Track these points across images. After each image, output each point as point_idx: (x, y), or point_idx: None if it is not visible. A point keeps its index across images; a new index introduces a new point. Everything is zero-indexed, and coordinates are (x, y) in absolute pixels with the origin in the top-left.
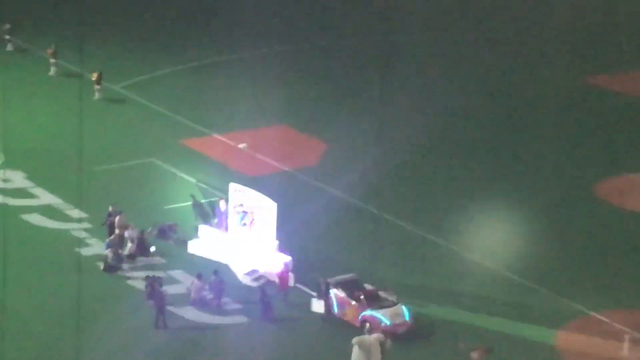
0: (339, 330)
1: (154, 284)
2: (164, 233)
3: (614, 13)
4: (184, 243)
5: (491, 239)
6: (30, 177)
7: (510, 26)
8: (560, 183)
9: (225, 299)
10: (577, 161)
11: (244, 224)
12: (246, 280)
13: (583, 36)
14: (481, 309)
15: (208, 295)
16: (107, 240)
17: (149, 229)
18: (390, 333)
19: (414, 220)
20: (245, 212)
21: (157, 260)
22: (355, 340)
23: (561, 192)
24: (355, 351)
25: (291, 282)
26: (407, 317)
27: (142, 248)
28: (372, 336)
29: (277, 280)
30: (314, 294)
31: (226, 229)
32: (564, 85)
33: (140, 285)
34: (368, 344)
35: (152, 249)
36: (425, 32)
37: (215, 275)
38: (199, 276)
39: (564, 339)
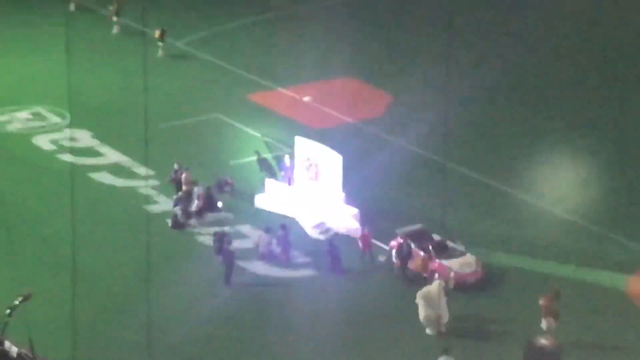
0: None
1: (222, 239)
2: (220, 188)
3: None
4: (245, 197)
5: (561, 186)
6: (96, 136)
7: None
8: (632, 126)
9: (293, 253)
10: None
11: (308, 175)
12: (314, 234)
13: None
14: (551, 257)
15: (276, 249)
16: (175, 197)
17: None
18: (459, 283)
19: (482, 170)
20: (311, 165)
21: (225, 215)
22: (419, 294)
23: (632, 135)
24: (422, 305)
25: (358, 234)
26: (476, 267)
27: (209, 204)
28: (433, 285)
29: (359, 243)
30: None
31: (291, 182)
32: (628, 33)
33: (209, 240)
34: (431, 294)
35: (220, 204)
36: None
37: (283, 230)
38: (267, 230)
39: (635, 284)
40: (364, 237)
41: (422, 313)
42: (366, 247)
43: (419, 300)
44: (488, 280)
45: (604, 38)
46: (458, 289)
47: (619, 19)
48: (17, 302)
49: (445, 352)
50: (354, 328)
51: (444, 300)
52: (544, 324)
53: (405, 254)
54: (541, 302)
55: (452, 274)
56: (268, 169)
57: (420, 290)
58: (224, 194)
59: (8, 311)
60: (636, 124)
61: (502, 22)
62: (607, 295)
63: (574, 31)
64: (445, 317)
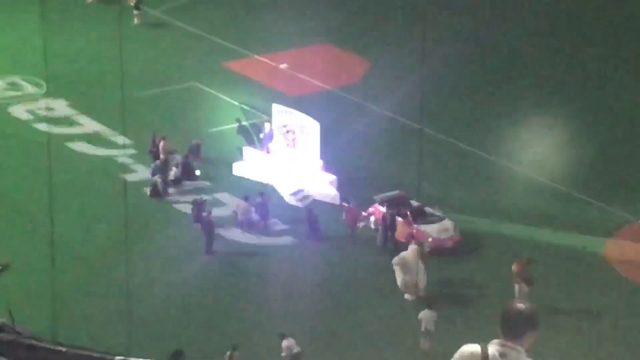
0: (386, 245)
1: (200, 207)
2: (194, 152)
3: None
4: (223, 165)
5: (538, 151)
6: (73, 105)
7: None
8: (606, 91)
9: (272, 220)
10: (622, 69)
11: (286, 142)
12: (292, 201)
13: None
14: (528, 221)
15: (255, 217)
16: (152, 165)
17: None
18: (438, 248)
19: (459, 135)
20: (288, 132)
21: (203, 183)
22: (395, 260)
23: (606, 101)
24: (398, 270)
25: (336, 201)
26: (454, 232)
27: (187, 172)
28: (409, 250)
29: (345, 217)
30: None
31: (270, 150)
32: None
33: (187, 208)
34: (407, 259)
35: (197, 172)
36: None
37: (261, 197)
38: (246, 198)
39: (612, 247)
40: (350, 212)
41: (399, 279)
42: (354, 223)
43: (396, 267)
44: (466, 245)
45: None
46: (436, 254)
47: None
48: None
49: (429, 307)
50: (333, 295)
51: (421, 265)
52: (516, 290)
53: (389, 226)
54: (513, 268)
55: (429, 239)
56: (246, 136)
57: (397, 255)
58: (197, 158)
59: None
60: (611, 90)
61: None
62: (585, 259)
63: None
64: (423, 282)
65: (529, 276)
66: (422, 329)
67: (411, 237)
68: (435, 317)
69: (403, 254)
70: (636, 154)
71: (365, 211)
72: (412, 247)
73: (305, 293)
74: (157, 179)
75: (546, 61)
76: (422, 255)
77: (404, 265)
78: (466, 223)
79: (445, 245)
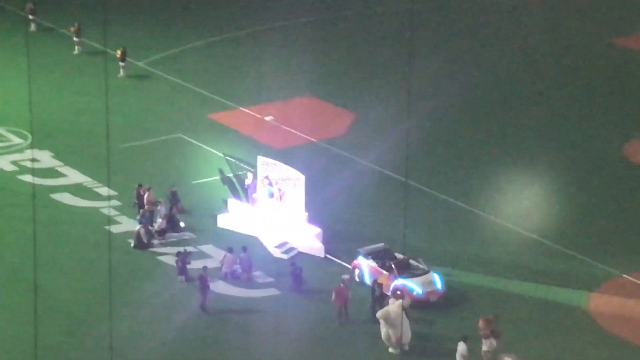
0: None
1: (184, 259)
2: (173, 199)
3: None
4: (208, 217)
5: (522, 205)
6: (57, 157)
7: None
8: (590, 146)
9: (256, 273)
10: (606, 123)
11: (271, 195)
12: (276, 253)
13: None
14: (513, 275)
15: (239, 269)
16: (138, 216)
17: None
18: (422, 301)
19: (444, 188)
20: (271, 184)
21: (187, 235)
22: (379, 314)
23: (591, 155)
24: (382, 324)
25: (321, 253)
26: (439, 285)
27: (171, 224)
28: (394, 305)
29: (333, 297)
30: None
31: (254, 202)
32: (587, 47)
33: (171, 260)
34: (392, 313)
35: (182, 224)
36: None
37: (244, 252)
38: (230, 250)
39: (596, 301)
40: (339, 292)
41: (383, 332)
42: (342, 303)
43: (380, 320)
44: (450, 299)
45: (567, 52)
46: (421, 307)
47: (585, 32)
48: None
49: (464, 339)
50: (316, 347)
51: (405, 320)
52: (485, 346)
53: (378, 296)
54: (480, 324)
55: (413, 293)
56: (231, 188)
57: (380, 309)
58: (175, 204)
59: None
60: (597, 143)
61: (461, 42)
62: (568, 313)
63: (533, 49)
64: (407, 337)
65: (496, 330)
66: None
67: (395, 290)
68: (465, 349)
69: (387, 307)
70: (621, 209)
71: (350, 264)
72: (397, 303)
73: (288, 345)
74: (141, 230)
75: (531, 114)
76: (407, 311)
77: (388, 319)
78: (451, 276)
79: (429, 298)
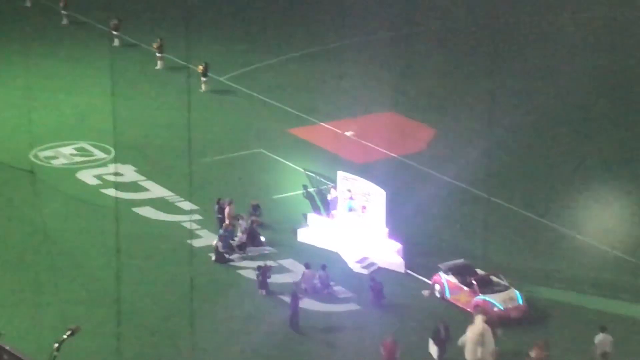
0: (452, 315)
1: (265, 273)
2: (254, 214)
3: None
4: (288, 231)
5: (604, 221)
6: (140, 171)
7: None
8: None
9: (336, 287)
10: None
11: (350, 210)
12: (357, 268)
13: None
14: (595, 292)
15: (318, 284)
16: (221, 230)
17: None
18: (503, 317)
19: (526, 204)
20: (352, 198)
21: (268, 249)
22: (471, 338)
23: None
24: (470, 348)
25: (402, 269)
26: (520, 301)
27: (252, 238)
28: (478, 324)
29: (381, 351)
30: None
31: (334, 217)
32: None
33: (252, 274)
34: (485, 332)
35: (263, 238)
36: (536, 14)
37: (323, 270)
38: (307, 266)
39: None
40: (387, 348)
41: (470, 356)
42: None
43: (468, 344)
44: (532, 316)
45: None
46: (502, 324)
47: None
48: (64, 337)
49: (603, 329)
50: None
51: (489, 334)
52: None
53: (444, 337)
54: (532, 353)
55: (495, 309)
56: (311, 202)
57: (464, 335)
58: (256, 217)
59: (56, 345)
60: None
61: (546, 56)
62: None
63: (620, 61)
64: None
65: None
66: (598, 352)
67: (477, 307)
68: (611, 338)
69: (474, 330)
70: None
71: (430, 280)
72: (478, 318)
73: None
74: (222, 244)
75: (616, 128)
76: (490, 324)
77: (481, 341)
78: (532, 292)
79: (510, 315)
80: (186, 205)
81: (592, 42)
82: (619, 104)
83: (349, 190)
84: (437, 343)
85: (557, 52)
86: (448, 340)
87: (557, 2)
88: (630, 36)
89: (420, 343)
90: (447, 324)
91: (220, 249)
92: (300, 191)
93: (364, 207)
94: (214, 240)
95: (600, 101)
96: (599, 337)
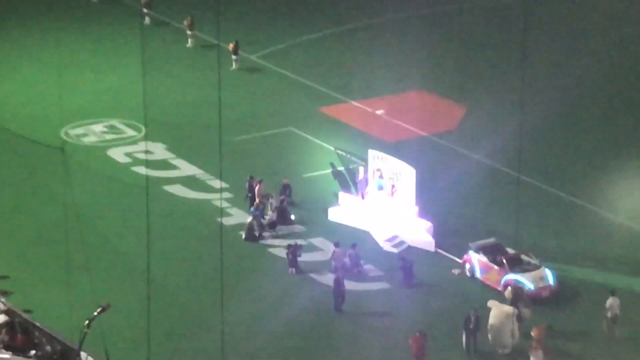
0: (482, 294)
1: (295, 252)
2: (285, 193)
3: None
4: (319, 210)
5: (635, 200)
6: (170, 149)
7: None
8: None
9: (367, 266)
10: None
11: (381, 188)
12: (387, 247)
13: None
14: (626, 271)
15: (348, 262)
16: (252, 208)
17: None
18: (534, 297)
19: (556, 183)
20: (382, 177)
21: (298, 228)
22: (491, 303)
23: None
24: (496, 327)
25: (432, 248)
26: (550, 281)
27: (283, 216)
28: (506, 309)
29: (410, 345)
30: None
31: (365, 195)
32: None
33: (282, 253)
34: (504, 315)
35: (293, 217)
36: None
37: (353, 249)
38: (337, 245)
39: None
40: (415, 342)
41: (493, 335)
42: (420, 354)
43: (494, 321)
44: (563, 295)
45: None
46: (533, 303)
47: None
48: (95, 314)
49: (613, 293)
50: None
51: (516, 325)
52: (533, 358)
53: (473, 327)
54: (533, 333)
55: (525, 288)
56: (342, 181)
57: (495, 308)
58: (286, 196)
59: (86, 322)
60: None
61: (577, 33)
62: None
63: None
64: (516, 339)
65: (545, 345)
66: (609, 316)
67: (507, 285)
68: (618, 302)
69: (501, 308)
70: None
71: (460, 259)
72: (509, 310)
73: (398, 339)
74: (253, 222)
75: None
76: (518, 318)
77: (498, 315)
78: (563, 272)
79: (541, 294)
80: (216, 183)
81: (629, 15)
82: None
83: (379, 170)
84: (467, 333)
85: (597, 27)
86: (478, 329)
87: None
88: None
89: (450, 325)
90: (479, 313)
91: (254, 228)
92: (330, 170)
93: (393, 186)
94: (248, 218)
95: (637, 78)
96: (609, 301)
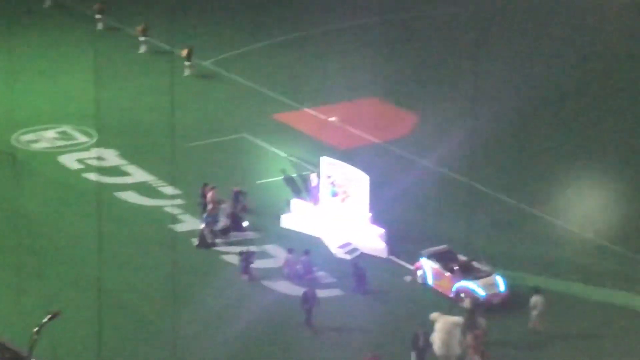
0: (433, 301)
1: (248, 259)
2: (236, 199)
3: None
4: (271, 217)
5: (586, 208)
6: (123, 155)
7: None
8: None
9: (320, 272)
10: None
11: (335, 195)
12: (340, 254)
13: None
14: (577, 279)
15: (301, 269)
16: (204, 215)
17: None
18: (485, 304)
19: (508, 190)
20: (334, 184)
21: (251, 234)
22: (433, 316)
23: None
24: (437, 328)
25: (384, 254)
26: (502, 288)
27: (235, 223)
28: (453, 319)
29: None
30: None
31: (317, 202)
32: None
33: (234, 260)
34: (452, 325)
35: (245, 223)
36: None
37: (306, 255)
38: (290, 251)
39: None
40: None
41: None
42: None
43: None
44: (514, 302)
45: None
46: (483, 310)
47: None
48: (44, 321)
49: (537, 291)
50: (378, 349)
51: (457, 337)
52: None
53: (423, 345)
54: (469, 339)
55: (476, 295)
56: (294, 188)
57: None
58: (241, 204)
59: (36, 329)
60: None
61: (527, 42)
62: (632, 316)
63: (598, 45)
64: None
65: (483, 349)
66: (534, 314)
67: (458, 293)
68: (542, 299)
69: (447, 317)
70: None
71: (413, 265)
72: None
73: (350, 346)
74: (205, 229)
75: (598, 115)
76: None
77: (443, 326)
78: (514, 279)
79: (492, 301)
80: (169, 189)
81: (580, 25)
82: (607, 91)
83: (329, 177)
84: (416, 351)
85: (544, 36)
86: (428, 347)
87: None
88: (619, 20)
89: (402, 331)
90: (427, 330)
91: (206, 235)
92: (282, 176)
93: (345, 193)
94: (200, 224)
95: (587, 87)
96: (533, 299)
